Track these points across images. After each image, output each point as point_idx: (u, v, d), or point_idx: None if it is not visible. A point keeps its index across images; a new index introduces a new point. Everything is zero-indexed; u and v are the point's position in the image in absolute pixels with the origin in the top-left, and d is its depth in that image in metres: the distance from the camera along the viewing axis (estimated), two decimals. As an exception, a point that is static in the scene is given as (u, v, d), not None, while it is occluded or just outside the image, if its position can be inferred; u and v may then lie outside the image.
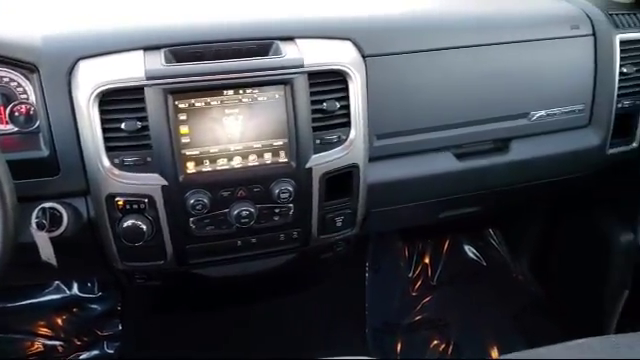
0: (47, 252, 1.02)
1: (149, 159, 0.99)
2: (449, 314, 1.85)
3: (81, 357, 1.71)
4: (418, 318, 1.86)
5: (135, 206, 1.02)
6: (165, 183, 1.01)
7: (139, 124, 0.98)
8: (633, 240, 1.49)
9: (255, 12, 1.19)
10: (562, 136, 1.33)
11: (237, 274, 1.20)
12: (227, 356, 1.62)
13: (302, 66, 1.04)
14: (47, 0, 1.23)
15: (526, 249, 1.95)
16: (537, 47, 1.26)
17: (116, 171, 0.99)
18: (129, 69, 0.99)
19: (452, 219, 1.50)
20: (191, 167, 1.02)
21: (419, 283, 1.94)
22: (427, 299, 1.90)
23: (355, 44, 1.13)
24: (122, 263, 1.10)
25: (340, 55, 1.09)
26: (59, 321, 1.75)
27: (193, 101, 1.00)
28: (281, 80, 1.03)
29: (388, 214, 1.31)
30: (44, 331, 1.73)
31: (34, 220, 0.99)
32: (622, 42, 1.30)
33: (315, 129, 1.06)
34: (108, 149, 0.98)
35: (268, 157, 1.05)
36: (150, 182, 1.00)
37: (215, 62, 1.02)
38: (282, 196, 1.06)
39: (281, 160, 1.06)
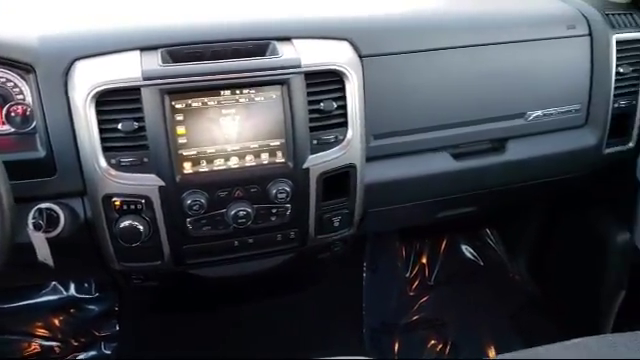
0: (44, 253, 1.02)
1: (146, 159, 0.99)
2: (446, 314, 1.85)
3: (78, 358, 1.71)
4: (415, 318, 1.86)
5: (132, 206, 1.02)
6: (162, 183, 1.00)
7: (136, 124, 0.97)
8: (629, 240, 1.50)
9: (252, 12, 1.18)
10: (559, 136, 1.34)
11: (234, 274, 1.20)
12: (224, 356, 1.62)
13: (299, 66, 1.04)
14: (43, 0, 1.23)
15: (523, 249, 1.95)
16: (534, 47, 1.26)
17: (113, 172, 0.99)
18: (126, 69, 0.99)
19: (449, 219, 1.50)
20: (188, 167, 1.02)
21: (416, 283, 1.95)
22: (424, 299, 1.90)
23: (352, 44, 1.13)
24: (119, 264, 1.10)
25: (337, 55, 1.09)
26: (56, 322, 1.75)
27: (190, 101, 1.00)
28: (278, 80, 1.03)
29: (385, 214, 1.31)
30: (41, 332, 1.73)
31: (31, 221, 0.99)
32: (618, 42, 1.30)
33: (312, 129, 1.06)
34: (105, 149, 0.98)
35: (265, 157, 1.05)
36: (147, 183, 1.00)
37: (212, 62, 1.02)
38: (279, 196, 1.06)
39: (278, 160, 1.06)
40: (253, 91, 1.02)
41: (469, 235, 2.04)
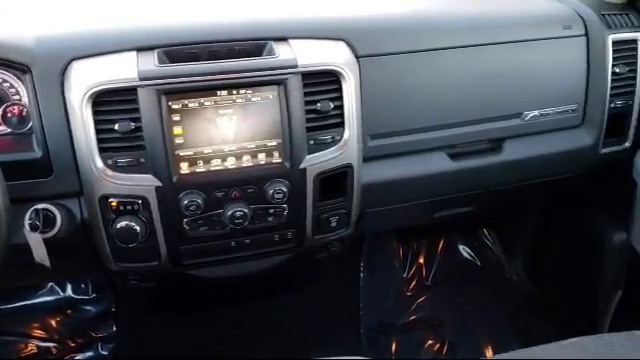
0: (40, 253, 1.02)
1: (142, 160, 0.99)
2: (444, 314, 1.85)
3: (75, 358, 1.70)
4: (413, 318, 1.86)
5: (129, 207, 1.01)
6: (159, 184, 1.00)
7: (132, 125, 0.97)
8: (626, 240, 1.50)
9: (248, 12, 1.18)
10: (555, 136, 1.34)
11: (231, 275, 1.20)
12: (222, 356, 1.62)
13: (296, 66, 1.04)
14: (40, 0, 1.23)
15: (520, 249, 1.95)
16: (530, 47, 1.27)
17: (109, 172, 0.99)
18: (122, 70, 0.98)
19: (446, 219, 1.50)
20: (185, 168, 1.02)
21: (414, 283, 1.95)
22: (422, 299, 1.91)
23: (349, 44, 1.13)
24: (116, 264, 1.10)
25: (334, 55, 1.09)
26: (53, 323, 1.75)
27: (186, 102, 1.00)
28: (275, 80, 1.03)
29: (382, 214, 1.31)
30: (38, 333, 1.73)
31: (27, 221, 0.99)
32: (614, 42, 1.31)
33: (309, 129, 1.06)
34: (101, 150, 0.98)
35: (262, 157, 1.05)
36: (144, 183, 1.00)
37: (208, 63, 1.02)
38: (276, 196, 1.06)
39: (275, 160, 1.06)
40: (250, 91, 1.02)
41: (466, 235, 2.04)
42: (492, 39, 1.24)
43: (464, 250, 2.03)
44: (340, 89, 1.08)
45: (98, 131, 0.97)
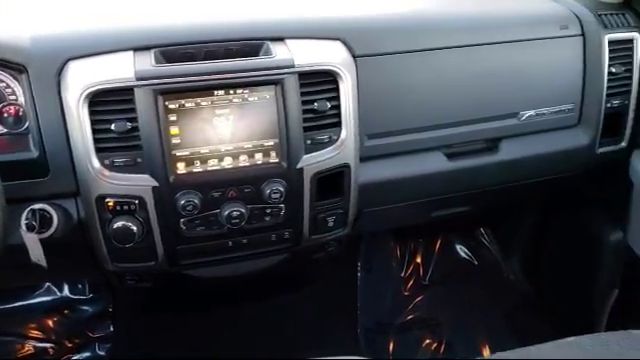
0: (37, 254, 1.02)
1: (139, 160, 0.99)
2: (441, 313, 1.85)
3: (73, 359, 1.70)
4: (410, 318, 1.86)
5: (125, 207, 1.01)
6: (155, 184, 1.00)
7: (129, 125, 0.97)
8: (622, 239, 1.50)
9: (245, 12, 1.18)
10: (552, 136, 1.34)
11: (228, 275, 1.20)
12: (218, 356, 1.62)
13: (292, 66, 1.04)
14: (36, 0, 1.22)
15: (517, 248, 1.96)
16: (527, 47, 1.27)
17: (106, 172, 0.99)
18: (119, 70, 0.98)
19: (443, 219, 1.51)
20: (181, 168, 1.02)
21: (411, 283, 1.95)
22: (419, 299, 1.91)
23: (345, 44, 1.13)
24: (112, 264, 1.09)
25: (330, 55, 1.09)
26: (50, 323, 1.74)
27: (183, 102, 1.00)
28: (272, 80, 1.03)
29: (379, 214, 1.31)
30: (35, 333, 1.72)
31: (24, 221, 0.99)
32: (611, 42, 1.31)
33: (306, 129, 1.06)
34: (98, 150, 0.98)
35: (259, 157, 1.05)
36: (140, 183, 1.00)
37: (205, 63, 1.02)
38: (273, 196, 1.06)
39: (272, 160, 1.06)
40: (247, 91, 1.02)
41: (463, 235, 2.04)
42: (488, 39, 1.24)
43: (461, 250, 2.03)
44: (337, 89, 1.08)
45: (95, 131, 0.97)
